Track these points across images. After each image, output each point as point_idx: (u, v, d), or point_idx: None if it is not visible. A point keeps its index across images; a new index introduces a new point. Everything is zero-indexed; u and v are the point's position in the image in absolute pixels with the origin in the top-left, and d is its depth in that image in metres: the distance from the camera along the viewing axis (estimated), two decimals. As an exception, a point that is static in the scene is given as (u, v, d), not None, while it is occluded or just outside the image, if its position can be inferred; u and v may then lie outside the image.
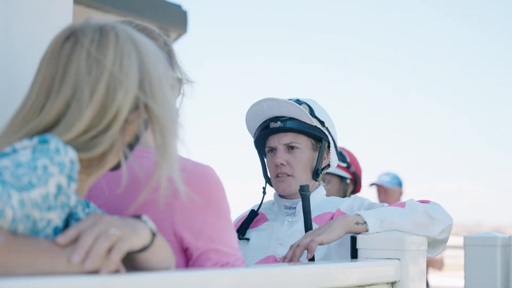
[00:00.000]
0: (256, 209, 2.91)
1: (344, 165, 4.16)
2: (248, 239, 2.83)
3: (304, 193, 2.70)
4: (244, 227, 2.86)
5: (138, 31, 1.71)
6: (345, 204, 2.79)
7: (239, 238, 2.84)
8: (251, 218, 2.88)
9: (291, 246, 2.51)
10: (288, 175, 2.80)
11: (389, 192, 5.62)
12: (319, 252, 2.67)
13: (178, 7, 6.44)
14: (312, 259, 2.52)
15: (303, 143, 2.82)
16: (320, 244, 2.46)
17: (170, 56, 2.05)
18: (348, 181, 4.20)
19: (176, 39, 6.57)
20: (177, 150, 1.66)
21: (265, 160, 2.94)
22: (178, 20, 6.44)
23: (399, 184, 5.71)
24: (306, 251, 2.49)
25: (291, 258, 2.48)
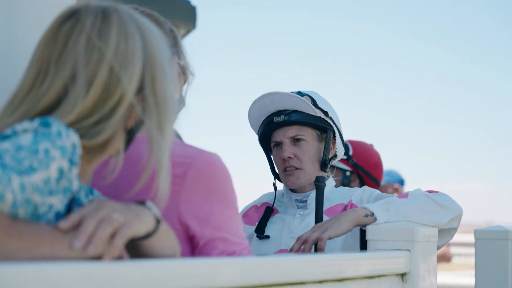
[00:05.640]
0: (271, 205, 2.87)
1: (345, 157, 4.10)
2: (268, 237, 2.80)
3: (319, 183, 2.68)
4: (262, 225, 2.83)
5: (144, 16, 1.67)
6: (355, 195, 2.76)
7: (259, 237, 2.80)
8: (268, 215, 2.85)
9: (298, 238, 2.48)
10: (296, 168, 2.77)
11: (381, 189, 5.45)
12: (336, 244, 2.66)
13: (187, 2, 6.41)
14: None
15: (309, 135, 2.79)
16: (328, 238, 2.43)
17: (175, 43, 2.02)
18: (348, 173, 4.14)
19: (185, 35, 6.54)
20: (171, 136, 1.62)
21: (271, 156, 2.91)
22: (187, 16, 6.41)
23: (394, 181, 5.56)
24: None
25: (297, 251, 2.46)
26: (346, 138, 4.13)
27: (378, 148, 4.31)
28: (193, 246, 1.83)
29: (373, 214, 2.45)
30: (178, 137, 3.69)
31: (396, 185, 5.53)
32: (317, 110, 2.77)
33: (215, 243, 1.81)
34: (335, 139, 2.85)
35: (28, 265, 1.24)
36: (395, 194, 2.70)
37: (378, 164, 4.21)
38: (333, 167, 4.07)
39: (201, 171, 1.82)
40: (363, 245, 2.45)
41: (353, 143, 4.20)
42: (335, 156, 2.87)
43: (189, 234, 1.81)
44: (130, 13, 1.62)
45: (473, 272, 3.22)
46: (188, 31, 6.50)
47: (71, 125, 1.49)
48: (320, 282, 1.92)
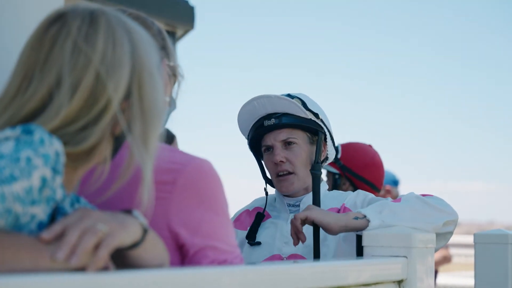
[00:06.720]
0: (262, 211, 2.84)
1: (332, 160, 4.02)
2: (259, 243, 2.76)
3: (315, 172, 2.66)
4: (253, 231, 2.80)
5: (131, 19, 1.63)
6: (348, 198, 2.72)
7: (250, 244, 2.77)
8: (259, 221, 2.82)
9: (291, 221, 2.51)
10: (290, 173, 2.73)
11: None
12: (329, 249, 2.62)
13: (185, 2, 6.37)
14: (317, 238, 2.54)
15: (300, 137, 2.75)
16: (313, 221, 2.45)
17: (164, 45, 1.98)
18: (337, 176, 4.06)
19: (183, 35, 6.49)
20: (155, 145, 1.58)
21: (262, 161, 2.87)
22: (185, 16, 6.37)
23: (386, 182, 5.36)
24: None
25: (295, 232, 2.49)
26: (346, 139, 4.10)
27: (377, 147, 4.18)
28: (182, 255, 1.79)
29: (365, 216, 2.41)
30: (172, 137, 3.66)
31: (388, 187, 5.36)
32: (308, 112, 2.73)
33: (206, 252, 1.77)
34: (326, 141, 2.81)
35: (8, 278, 1.20)
36: (389, 198, 2.65)
37: (368, 164, 4.07)
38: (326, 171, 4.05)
39: (191, 178, 1.78)
40: (360, 252, 2.41)
41: (344, 145, 4.11)
42: (326, 158, 2.84)
43: (178, 242, 1.77)
44: (118, 17, 1.57)
45: (472, 273, 3.19)
46: (186, 31, 6.46)
47: (55, 131, 1.45)
48: (314, 290, 1.88)
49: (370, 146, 4.16)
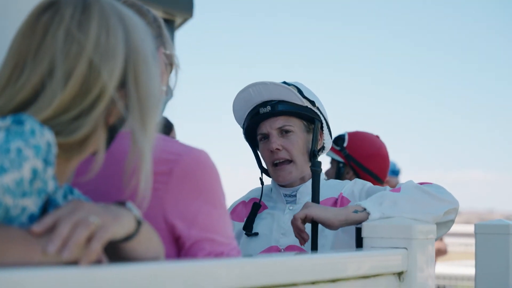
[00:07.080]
0: (258, 201, 2.80)
1: (338, 148, 3.99)
2: (257, 234, 2.73)
3: (315, 168, 2.62)
4: (250, 222, 2.76)
5: (126, 7, 1.60)
6: (346, 187, 2.68)
7: (247, 235, 2.73)
8: (255, 212, 2.78)
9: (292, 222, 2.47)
10: (287, 160, 2.69)
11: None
12: (327, 240, 2.59)
13: (183, -9, 6.33)
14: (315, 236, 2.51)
15: (296, 125, 2.70)
16: (312, 219, 2.42)
17: (160, 33, 1.94)
18: (341, 165, 4.02)
19: (182, 23, 6.46)
20: (154, 133, 1.54)
21: (257, 150, 2.83)
22: (184, 5, 6.33)
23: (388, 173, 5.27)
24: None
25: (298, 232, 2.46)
26: (350, 130, 4.05)
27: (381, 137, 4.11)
28: (179, 247, 1.76)
29: (364, 209, 2.37)
30: (170, 126, 3.62)
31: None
32: (304, 100, 2.69)
33: (202, 244, 1.74)
34: (322, 130, 2.76)
35: (-2, 272, 1.17)
36: (388, 187, 2.62)
37: (373, 155, 3.98)
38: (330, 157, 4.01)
39: (188, 169, 1.74)
40: (359, 243, 2.38)
41: (351, 134, 4.05)
42: (323, 147, 2.79)
43: (174, 234, 1.74)
44: (112, 4, 1.54)
45: (471, 262, 3.17)
46: (185, 20, 6.42)
47: (48, 120, 1.42)
48: (313, 283, 1.85)
49: (377, 137, 4.09)
